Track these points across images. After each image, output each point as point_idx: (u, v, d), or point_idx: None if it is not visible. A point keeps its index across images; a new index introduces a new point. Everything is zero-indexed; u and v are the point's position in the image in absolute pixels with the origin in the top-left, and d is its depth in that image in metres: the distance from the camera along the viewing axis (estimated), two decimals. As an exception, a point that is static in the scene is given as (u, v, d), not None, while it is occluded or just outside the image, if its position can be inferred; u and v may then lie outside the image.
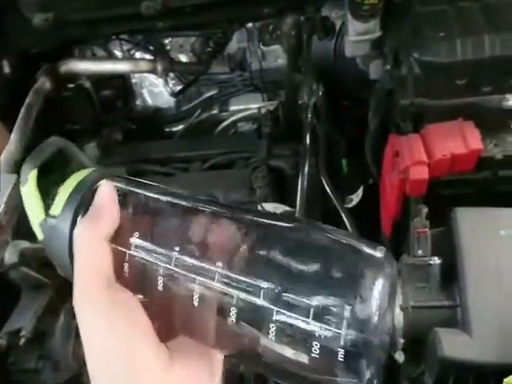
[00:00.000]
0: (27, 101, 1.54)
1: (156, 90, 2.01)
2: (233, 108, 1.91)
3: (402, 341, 0.98)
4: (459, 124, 1.17)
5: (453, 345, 0.91)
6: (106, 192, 0.49)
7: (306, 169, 1.30)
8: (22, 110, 1.51)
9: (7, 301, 1.31)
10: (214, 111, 1.95)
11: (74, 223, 0.48)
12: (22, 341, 1.19)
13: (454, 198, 1.13)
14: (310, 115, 1.42)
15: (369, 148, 1.40)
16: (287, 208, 1.33)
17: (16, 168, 1.38)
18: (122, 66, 1.74)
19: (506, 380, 0.83)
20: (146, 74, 1.95)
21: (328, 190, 1.32)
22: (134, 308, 0.44)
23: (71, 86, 1.77)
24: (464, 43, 1.12)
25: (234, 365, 1.10)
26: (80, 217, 0.48)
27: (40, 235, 0.50)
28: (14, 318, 1.25)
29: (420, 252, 1.02)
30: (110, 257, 0.46)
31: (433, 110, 1.20)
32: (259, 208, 1.33)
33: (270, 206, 1.34)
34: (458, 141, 1.14)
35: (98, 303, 0.44)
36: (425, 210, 1.06)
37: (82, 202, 0.49)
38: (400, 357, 0.99)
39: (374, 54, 1.51)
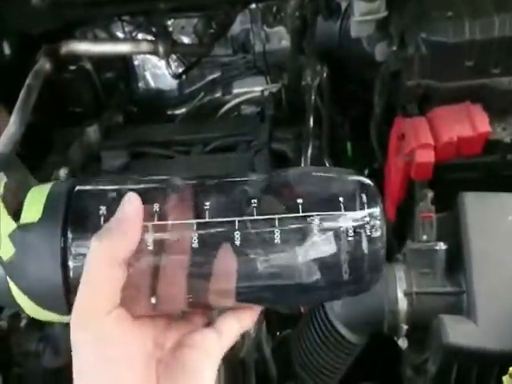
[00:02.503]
0: (27, 82, 1.52)
1: (158, 72, 1.98)
2: (236, 91, 1.88)
3: (405, 327, 0.97)
4: (467, 106, 1.14)
5: (457, 332, 0.89)
6: (134, 205, 0.43)
7: (309, 151, 1.27)
8: (22, 91, 1.49)
9: None
10: (217, 94, 1.92)
11: (64, 231, 0.43)
12: (23, 323, 1.19)
13: (460, 183, 1.11)
14: (313, 97, 1.39)
15: (374, 131, 1.37)
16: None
17: (16, 150, 1.37)
18: (123, 47, 1.70)
19: (511, 368, 0.81)
20: (148, 56, 1.92)
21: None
22: (129, 343, 0.43)
23: (72, 67, 1.75)
24: (472, 23, 1.09)
25: (235, 353, 1.09)
26: (70, 226, 0.43)
27: (9, 249, 0.43)
28: None
29: (425, 237, 1.00)
30: (122, 281, 0.42)
31: (440, 91, 1.17)
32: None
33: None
34: (465, 124, 1.11)
35: (97, 332, 0.43)
36: (430, 194, 1.04)
37: (70, 209, 0.44)
38: (403, 343, 0.98)
39: (379, 35, 1.48)
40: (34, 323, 1.20)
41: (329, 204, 0.44)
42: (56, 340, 1.17)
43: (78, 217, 0.44)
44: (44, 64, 1.60)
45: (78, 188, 0.45)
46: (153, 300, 0.45)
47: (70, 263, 0.44)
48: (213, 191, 0.47)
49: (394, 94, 1.33)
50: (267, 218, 0.43)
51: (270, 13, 1.78)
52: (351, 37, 1.63)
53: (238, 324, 0.49)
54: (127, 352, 0.43)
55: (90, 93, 1.80)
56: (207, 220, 0.44)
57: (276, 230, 0.43)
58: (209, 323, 0.49)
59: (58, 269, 0.43)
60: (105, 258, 0.42)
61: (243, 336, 1.09)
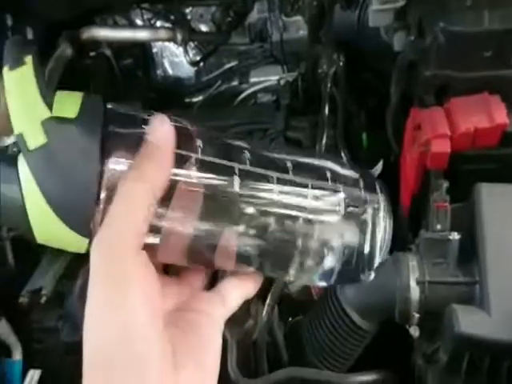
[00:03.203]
0: (48, 67, 1.54)
1: (176, 60, 2.00)
2: (253, 79, 1.89)
3: (417, 315, 0.97)
4: (484, 97, 1.13)
5: (469, 321, 0.89)
6: (166, 132, 0.40)
7: (324, 140, 1.27)
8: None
9: (29, 262, 1.33)
10: (234, 82, 1.93)
11: (105, 138, 0.38)
12: (43, 299, 1.22)
13: (475, 174, 1.10)
14: (329, 85, 1.39)
15: (390, 122, 1.36)
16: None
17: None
18: (141, 34, 1.72)
19: None
20: (166, 44, 1.94)
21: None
22: (150, 284, 0.40)
23: (92, 54, 1.77)
24: (492, 12, 1.08)
25: (247, 335, 1.10)
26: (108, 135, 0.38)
27: (38, 137, 0.38)
28: (35, 278, 1.27)
29: (439, 227, 1.00)
30: (148, 221, 0.40)
31: (457, 82, 1.17)
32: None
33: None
34: (482, 115, 1.10)
35: (120, 265, 0.39)
36: (445, 183, 1.04)
37: (111, 118, 0.40)
38: (415, 332, 0.98)
39: (397, 25, 1.47)
40: (54, 300, 1.24)
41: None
42: (74, 317, 1.20)
43: (115, 127, 0.40)
44: (65, 49, 1.62)
45: (110, 106, 0.43)
46: (157, 239, 0.42)
47: (106, 175, 0.38)
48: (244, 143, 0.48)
49: (410, 85, 1.32)
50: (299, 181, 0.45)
51: (287, 2, 1.78)
52: (369, 26, 1.63)
53: (240, 290, 0.49)
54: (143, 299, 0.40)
55: (109, 79, 1.82)
56: (245, 167, 0.44)
57: (305, 193, 0.44)
58: (209, 286, 0.49)
59: (95, 171, 0.38)
60: (139, 191, 0.39)
61: (256, 319, 1.10)
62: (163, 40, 1.76)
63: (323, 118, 1.34)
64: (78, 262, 1.31)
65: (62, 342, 1.19)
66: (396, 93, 1.35)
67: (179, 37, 1.71)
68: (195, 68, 1.95)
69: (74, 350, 1.20)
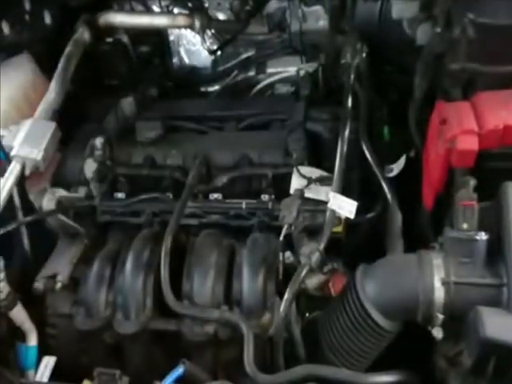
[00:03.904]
0: (66, 51, 1.53)
1: (193, 49, 1.96)
2: (270, 70, 1.86)
3: (441, 317, 0.94)
4: (514, 93, 1.10)
5: (495, 325, 0.86)
6: None
7: (347, 133, 1.24)
8: (62, 59, 1.50)
9: (44, 247, 1.32)
10: (251, 72, 1.89)
11: None
12: (58, 286, 1.22)
13: (504, 173, 1.06)
14: (352, 76, 1.36)
15: (413, 115, 1.33)
16: (323, 173, 1.28)
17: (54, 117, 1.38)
18: (159, 20, 1.69)
19: None
20: (183, 32, 1.91)
21: (368, 157, 1.26)
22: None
23: (110, 40, 1.75)
24: (525, 4, 1.04)
25: (264, 330, 1.08)
26: None
27: None
28: (50, 264, 1.27)
29: (465, 225, 0.97)
30: None
31: (486, 76, 1.13)
32: (295, 172, 1.29)
33: (305, 170, 1.29)
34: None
35: None
36: (473, 181, 1.00)
37: None
38: (438, 333, 0.95)
39: (422, 17, 1.44)
40: (68, 287, 1.24)
41: None
42: (88, 304, 1.19)
43: None
44: (83, 33, 1.60)
45: None
46: None
47: None
48: None
49: (436, 78, 1.29)
50: None
51: (307, -9, 1.74)
52: (391, 19, 1.59)
53: None
54: None
55: (126, 66, 1.80)
56: None
57: None
58: None
59: None
60: None
61: (273, 314, 1.08)
62: (181, 27, 1.73)
63: (346, 110, 1.30)
64: (94, 248, 1.32)
65: (75, 329, 1.18)
66: (420, 86, 1.31)
67: (197, 24, 1.68)
68: (212, 57, 1.91)
69: (88, 339, 1.20)
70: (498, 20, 1.08)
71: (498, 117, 1.07)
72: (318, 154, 1.40)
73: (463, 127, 1.07)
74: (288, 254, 1.13)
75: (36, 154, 1.23)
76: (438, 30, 1.29)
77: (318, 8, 1.74)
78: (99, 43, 1.71)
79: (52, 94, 1.40)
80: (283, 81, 1.79)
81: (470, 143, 1.06)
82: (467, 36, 1.12)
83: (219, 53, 1.88)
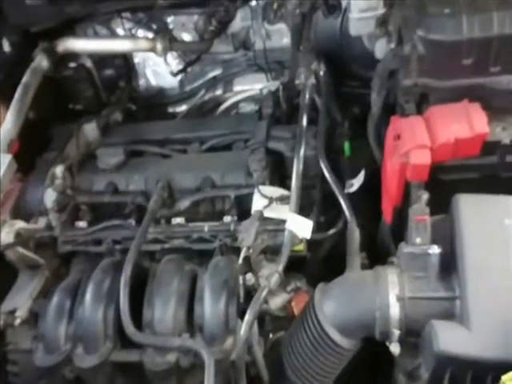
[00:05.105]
0: (24, 79, 1.52)
1: (159, 70, 1.97)
2: (237, 88, 1.87)
3: (397, 332, 0.95)
4: (465, 106, 1.11)
5: (449, 339, 0.87)
6: None
7: (302, 151, 1.25)
8: (19, 88, 1.49)
9: (4, 281, 1.30)
10: (218, 91, 1.90)
11: None
12: (18, 321, 1.20)
13: (457, 184, 1.08)
14: (307, 95, 1.37)
15: (372, 130, 1.34)
16: (284, 192, 1.28)
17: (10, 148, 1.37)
18: (120, 45, 1.69)
19: (504, 377, 0.79)
20: (149, 54, 1.90)
21: (326, 174, 1.27)
22: None
23: (72, 65, 1.75)
24: (471, 20, 1.06)
25: (225, 355, 1.07)
26: None
27: None
28: (10, 299, 1.25)
29: (418, 240, 0.98)
30: None
31: (437, 90, 1.15)
32: (256, 192, 1.29)
33: (267, 190, 1.29)
34: (463, 124, 1.08)
35: None
36: (425, 196, 1.02)
37: None
38: (395, 349, 0.95)
39: (379, 33, 1.45)
40: (29, 321, 1.21)
41: None
42: (48, 338, 1.17)
43: None
44: (41, 61, 1.60)
45: None
46: None
47: None
48: None
49: (392, 93, 1.30)
50: None
51: (270, 10, 1.75)
52: (352, 35, 1.61)
53: None
54: None
55: (91, 90, 1.79)
56: None
57: None
58: None
59: None
60: None
61: (235, 337, 1.07)
62: (143, 50, 1.74)
63: (301, 128, 1.31)
64: (54, 280, 1.30)
65: (35, 365, 1.16)
66: (377, 101, 1.32)
67: (159, 47, 1.68)
68: (178, 78, 1.92)
69: (48, 375, 1.17)
70: (446, 36, 1.10)
71: (450, 130, 1.08)
72: (281, 173, 1.41)
73: (416, 142, 1.09)
74: (249, 275, 1.13)
75: (-10, 187, 1.22)
76: (391, 46, 1.31)
77: (281, 26, 1.76)
78: (62, 68, 1.71)
79: (8, 124, 1.39)
80: (247, 100, 1.81)
81: (423, 157, 1.08)
82: (418, 52, 1.14)
83: (183, 74, 1.88)
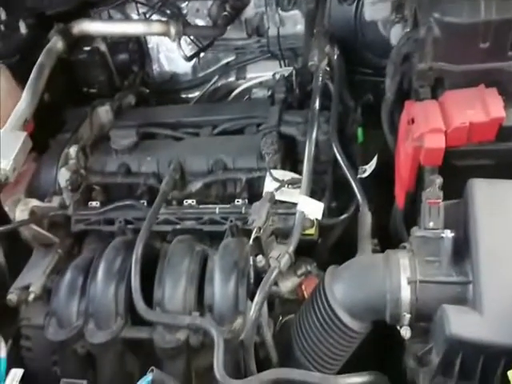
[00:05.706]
0: (39, 60, 1.53)
1: (172, 56, 1.96)
2: (250, 75, 1.86)
3: (408, 316, 0.94)
4: (480, 91, 1.10)
5: (461, 323, 0.86)
6: None
7: (314, 134, 1.24)
8: (34, 69, 1.50)
9: (19, 258, 1.32)
10: (231, 78, 1.90)
11: None
12: (31, 297, 1.21)
13: (471, 170, 1.07)
14: (320, 78, 1.36)
15: (385, 116, 1.33)
16: (295, 176, 1.28)
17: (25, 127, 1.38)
18: (134, 28, 1.69)
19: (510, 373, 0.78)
20: (162, 39, 1.90)
21: (339, 159, 1.26)
22: None
23: (87, 48, 1.75)
24: (488, 2, 1.05)
25: (235, 334, 1.07)
26: None
27: None
28: (24, 275, 1.27)
29: (431, 224, 0.97)
30: None
31: (453, 75, 1.13)
32: (268, 175, 1.29)
33: (278, 173, 1.29)
34: (478, 108, 1.07)
35: None
36: (438, 180, 1.01)
37: None
38: (406, 332, 0.95)
39: (394, 18, 1.44)
40: (42, 297, 1.23)
41: None
42: (61, 314, 1.18)
43: None
44: (56, 43, 1.61)
45: None
46: None
47: None
48: None
49: (406, 78, 1.29)
50: None
51: (284, -4, 1.74)
52: (366, 21, 1.60)
53: None
54: None
55: (104, 74, 1.80)
56: None
57: None
58: None
59: None
60: None
61: (244, 318, 1.07)
62: (156, 34, 1.74)
63: (313, 112, 1.30)
64: (67, 258, 1.31)
65: (47, 340, 1.17)
66: (391, 87, 1.31)
67: (173, 31, 1.68)
68: (192, 63, 1.92)
69: (60, 349, 1.19)
70: (463, 19, 1.08)
71: (465, 115, 1.07)
72: (293, 157, 1.41)
73: (430, 126, 1.08)
74: (260, 257, 1.13)
75: (5, 164, 1.22)
76: (407, 30, 1.29)
77: (295, 12, 1.75)
78: (76, 52, 1.72)
79: (23, 103, 1.40)
80: (260, 85, 1.80)
81: (437, 141, 1.07)
82: (433, 35, 1.13)
83: (196, 59, 1.88)
